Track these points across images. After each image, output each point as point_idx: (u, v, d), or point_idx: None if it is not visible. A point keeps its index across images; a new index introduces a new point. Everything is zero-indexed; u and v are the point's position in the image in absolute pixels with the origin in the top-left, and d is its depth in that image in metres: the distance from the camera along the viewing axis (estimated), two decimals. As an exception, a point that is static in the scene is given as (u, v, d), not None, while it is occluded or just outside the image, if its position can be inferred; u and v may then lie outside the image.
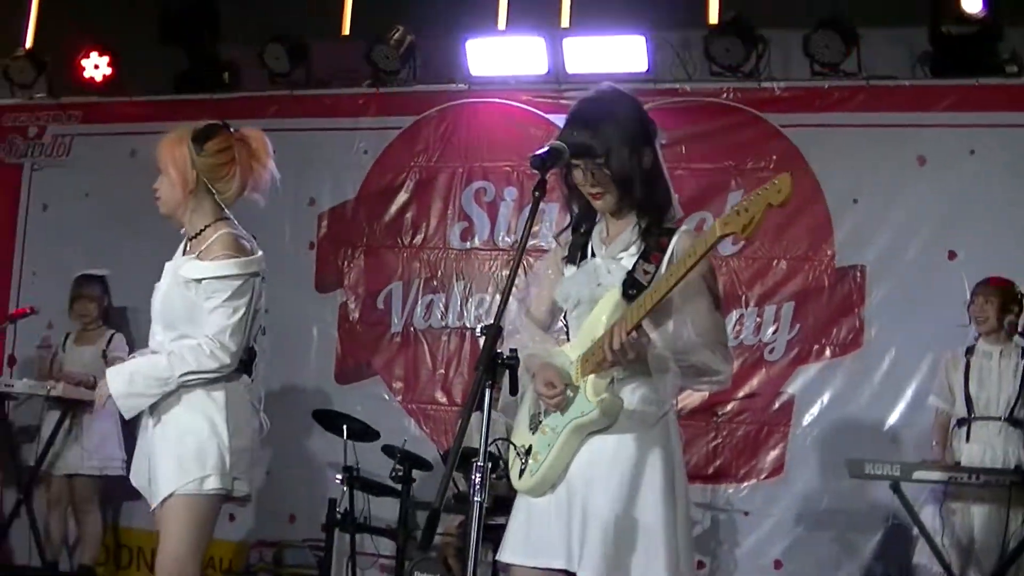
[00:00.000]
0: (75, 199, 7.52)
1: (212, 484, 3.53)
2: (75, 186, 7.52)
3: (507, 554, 3.19)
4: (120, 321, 7.08)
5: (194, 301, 3.61)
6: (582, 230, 3.27)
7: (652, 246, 3.14)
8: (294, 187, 6.89)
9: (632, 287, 3.09)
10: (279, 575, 6.79)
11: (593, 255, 3.25)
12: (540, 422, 3.20)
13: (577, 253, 3.27)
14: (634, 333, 2.96)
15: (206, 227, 3.69)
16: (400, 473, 5.91)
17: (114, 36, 7.50)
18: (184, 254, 3.72)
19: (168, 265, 3.73)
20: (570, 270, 3.28)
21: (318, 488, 6.58)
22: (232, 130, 3.76)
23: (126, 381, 3.61)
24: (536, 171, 2.91)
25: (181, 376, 3.56)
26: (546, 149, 2.97)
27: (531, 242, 5.95)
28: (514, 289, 3.13)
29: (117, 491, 6.85)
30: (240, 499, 3.72)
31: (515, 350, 2.90)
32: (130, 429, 6.72)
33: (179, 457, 3.55)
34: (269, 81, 7.14)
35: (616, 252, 3.19)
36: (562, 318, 3.38)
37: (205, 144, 3.66)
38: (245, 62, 7.29)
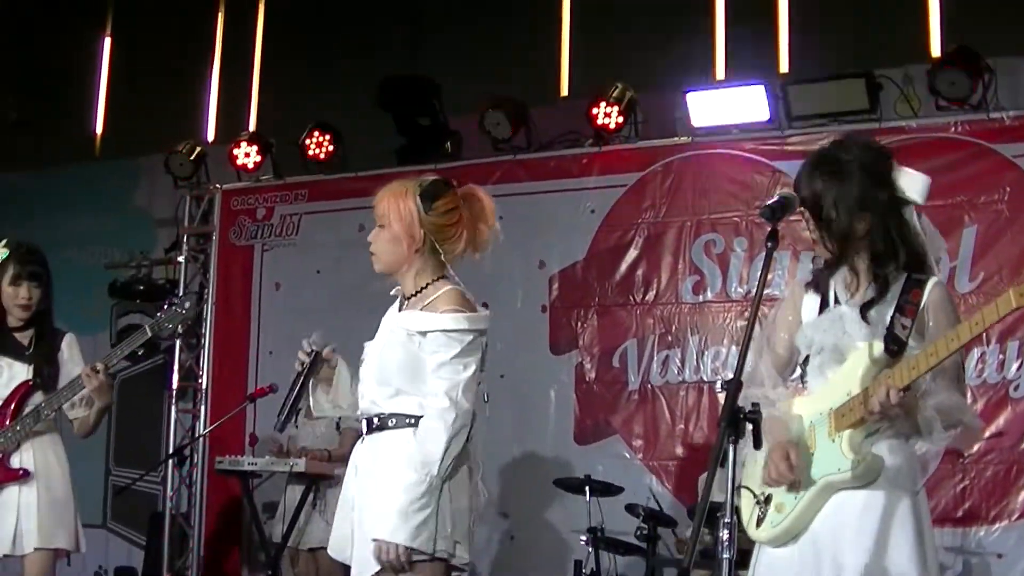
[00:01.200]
0: (306, 277, 9.35)
1: (440, 546, 4.08)
2: (306, 264, 9.35)
3: None
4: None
5: (416, 355, 4.17)
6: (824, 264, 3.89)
7: (906, 299, 3.68)
8: (523, 251, 8.55)
9: (893, 342, 3.63)
10: (526, 642, 8.29)
11: (837, 302, 3.80)
12: None
13: (818, 284, 3.86)
14: (901, 392, 3.46)
15: (427, 285, 4.29)
16: (645, 531, 7.24)
17: (335, 113, 9.37)
18: (401, 311, 4.32)
19: (384, 322, 4.33)
20: (810, 299, 3.86)
21: (563, 550, 8.03)
22: (457, 188, 4.42)
23: (404, 526, 4.03)
24: (767, 221, 3.56)
25: (439, 472, 4.08)
26: (776, 199, 3.61)
27: (765, 291, 7.33)
28: (752, 340, 3.71)
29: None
30: (461, 568, 4.25)
31: (757, 404, 3.38)
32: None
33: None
34: (492, 147, 8.81)
35: (861, 301, 3.75)
36: (800, 364, 3.91)
37: (434, 203, 4.29)
38: (466, 130, 9.00)
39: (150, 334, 5.58)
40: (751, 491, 3.72)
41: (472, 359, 4.18)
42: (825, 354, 3.77)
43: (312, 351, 4.39)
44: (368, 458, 4.26)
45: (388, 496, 4.08)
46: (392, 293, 4.41)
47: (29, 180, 11.46)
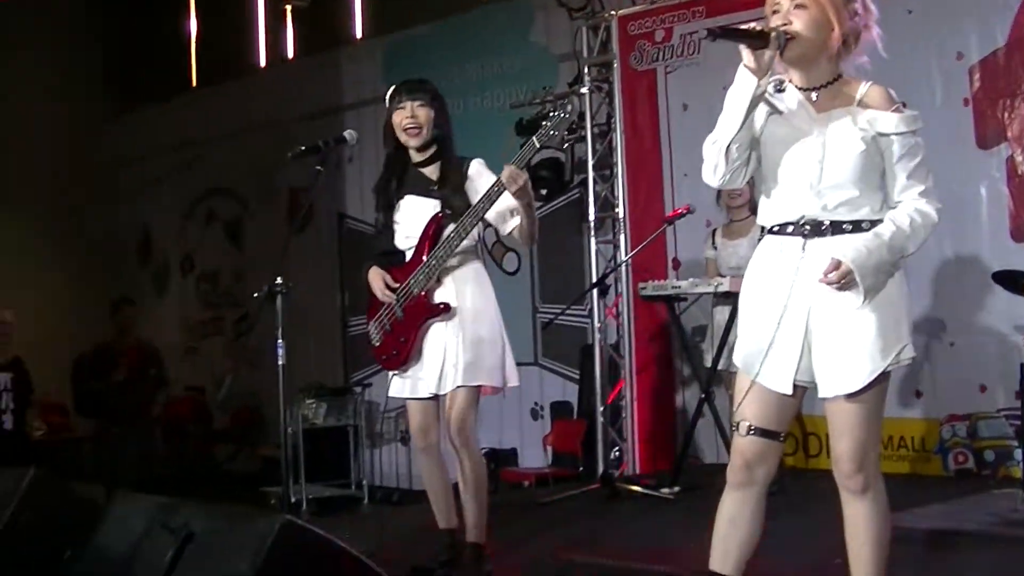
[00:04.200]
0: (712, 95, 9.38)
1: (908, 353, 4.14)
2: (712, 82, 9.40)
3: None
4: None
5: (874, 158, 4.15)
6: None
7: None
8: (937, 43, 8.46)
9: None
10: (974, 448, 8.35)
11: None
12: None
13: None
14: None
15: (835, 79, 4.23)
16: None
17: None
18: (807, 106, 4.21)
19: (833, 117, 4.19)
20: None
21: (1007, 354, 7.96)
22: None
23: (873, 272, 4.07)
24: None
25: (914, 250, 4.16)
26: None
27: None
28: None
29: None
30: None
31: None
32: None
33: (883, 332, 4.10)
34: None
35: None
36: None
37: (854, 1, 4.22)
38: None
39: (538, 145, 5.72)
40: None
41: None
42: None
43: None
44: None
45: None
46: (768, 83, 4.21)
47: (428, 32, 12.01)
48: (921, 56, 8.47)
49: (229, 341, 14.78)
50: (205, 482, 12.00)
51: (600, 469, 9.34)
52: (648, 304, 9.36)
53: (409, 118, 5.99)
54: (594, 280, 9.64)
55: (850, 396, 4.10)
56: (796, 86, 4.26)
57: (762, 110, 4.24)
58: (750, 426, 4.26)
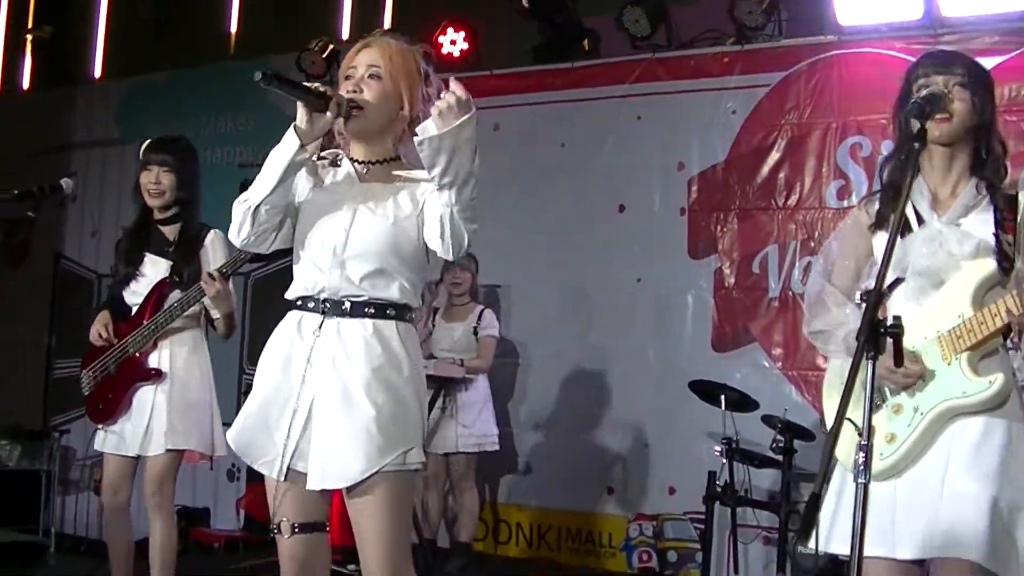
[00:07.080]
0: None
1: (416, 458, 3.73)
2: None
3: (867, 547, 3.36)
4: (490, 299, 8.70)
5: (409, 233, 3.77)
6: (890, 195, 3.76)
7: (1003, 215, 3.67)
8: (662, 152, 8.43)
9: (1005, 260, 3.62)
10: (660, 548, 8.25)
11: (920, 221, 3.74)
12: (885, 399, 3.71)
13: (890, 219, 3.73)
14: None
15: (394, 159, 3.88)
16: (781, 444, 7.04)
17: (471, 10, 9.20)
18: (353, 178, 3.84)
19: (374, 189, 3.82)
20: (880, 237, 3.77)
21: (698, 459, 7.90)
22: None
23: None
24: (915, 119, 3.52)
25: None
26: (925, 95, 3.60)
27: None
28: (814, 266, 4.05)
29: (494, 467, 8.57)
30: None
31: (898, 317, 3.21)
32: (502, 404, 8.39)
33: (387, 430, 3.68)
34: (630, 46, 8.57)
35: (956, 218, 3.71)
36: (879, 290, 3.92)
37: (427, 79, 3.90)
38: (605, 29, 8.78)
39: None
40: (853, 423, 3.32)
41: None
42: (921, 278, 3.72)
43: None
44: (336, 349, 3.71)
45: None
46: (316, 149, 3.84)
47: (167, 82, 11.52)
48: (645, 162, 8.43)
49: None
50: None
51: (291, 539, 8.91)
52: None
53: (153, 182, 5.82)
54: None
55: (353, 494, 3.67)
56: (352, 158, 3.88)
57: (307, 178, 3.83)
58: (293, 524, 3.79)
